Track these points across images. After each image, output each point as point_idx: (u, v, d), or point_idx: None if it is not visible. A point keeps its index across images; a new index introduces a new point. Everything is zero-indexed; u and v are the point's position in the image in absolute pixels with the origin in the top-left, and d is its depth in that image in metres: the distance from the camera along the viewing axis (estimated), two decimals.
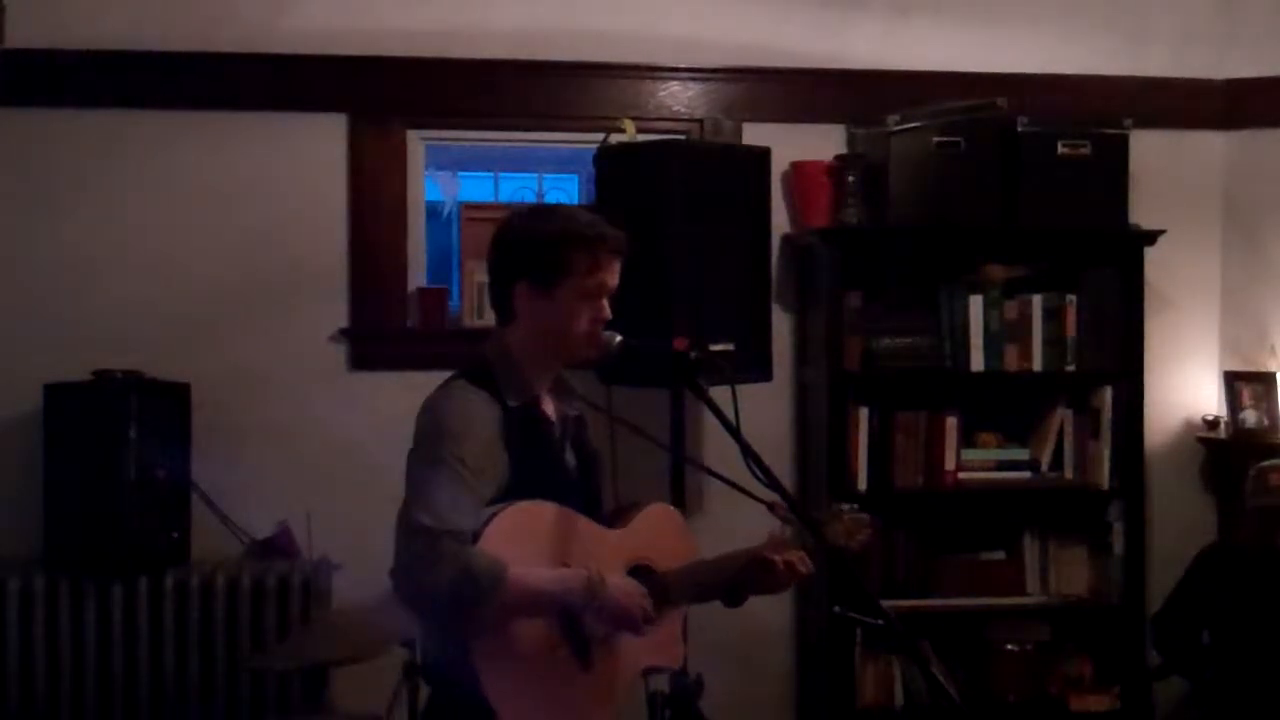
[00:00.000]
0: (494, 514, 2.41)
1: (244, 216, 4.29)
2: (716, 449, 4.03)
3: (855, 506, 2.88)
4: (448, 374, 2.61)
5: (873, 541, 4.17)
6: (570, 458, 2.66)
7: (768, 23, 4.52)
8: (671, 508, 2.90)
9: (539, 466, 2.53)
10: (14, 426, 4.09)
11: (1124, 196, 4.39)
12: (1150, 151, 4.54)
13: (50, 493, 3.98)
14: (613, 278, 2.56)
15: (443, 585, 2.30)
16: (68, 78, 4.17)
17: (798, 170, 4.46)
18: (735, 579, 2.74)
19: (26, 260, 4.19)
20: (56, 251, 4.19)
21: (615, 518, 2.70)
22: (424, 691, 2.78)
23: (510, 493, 2.46)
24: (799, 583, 2.77)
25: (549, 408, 2.64)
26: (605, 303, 2.56)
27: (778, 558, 2.69)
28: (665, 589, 2.62)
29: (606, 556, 2.57)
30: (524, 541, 2.43)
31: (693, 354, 2.69)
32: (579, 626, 2.51)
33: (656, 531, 2.73)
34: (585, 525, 2.58)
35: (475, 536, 2.37)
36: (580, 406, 2.71)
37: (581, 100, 4.44)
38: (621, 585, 2.52)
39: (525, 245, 2.55)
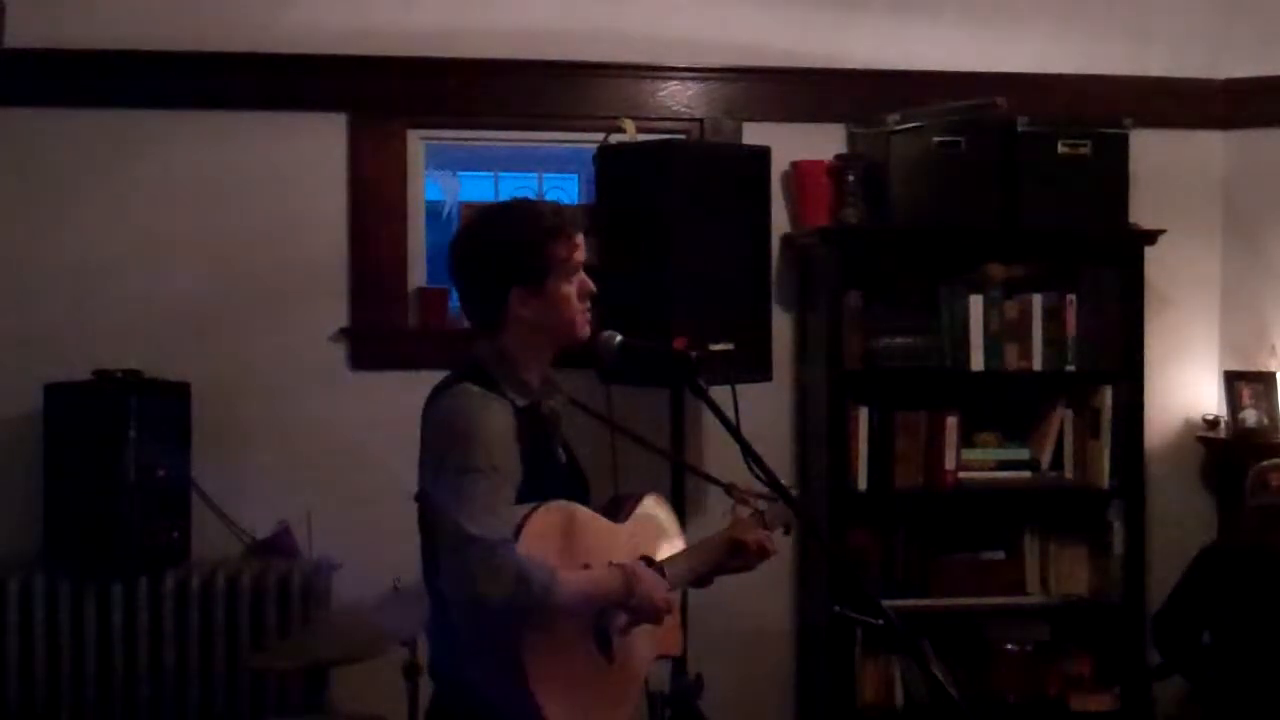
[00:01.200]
0: (524, 518, 2.42)
1: (244, 216, 4.29)
2: (716, 448, 4.04)
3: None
4: (448, 374, 2.60)
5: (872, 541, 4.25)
6: (561, 453, 2.67)
7: (768, 23, 4.52)
8: (660, 496, 2.91)
9: (544, 465, 2.54)
10: (14, 426, 4.09)
11: (1124, 196, 4.39)
12: (1150, 151, 4.53)
13: (50, 493, 3.98)
14: (582, 252, 2.59)
15: (503, 595, 2.30)
16: (68, 78, 4.17)
17: (798, 170, 4.46)
18: (718, 563, 2.81)
19: (27, 260, 4.19)
20: (56, 251, 4.19)
21: (615, 510, 2.71)
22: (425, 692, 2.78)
23: (521, 492, 2.46)
24: (764, 562, 2.86)
25: (542, 405, 2.64)
26: (584, 274, 2.58)
27: (749, 538, 2.81)
28: (666, 579, 2.64)
29: (619, 552, 2.59)
30: (552, 542, 2.45)
31: (693, 354, 2.70)
32: (600, 621, 2.52)
33: (652, 522, 2.76)
34: (598, 522, 2.60)
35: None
36: (561, 399, 2.71)
37: (581, 100, 4.44)
38: (650, 581, 2.55)
39: (509, 251, 2.54)
